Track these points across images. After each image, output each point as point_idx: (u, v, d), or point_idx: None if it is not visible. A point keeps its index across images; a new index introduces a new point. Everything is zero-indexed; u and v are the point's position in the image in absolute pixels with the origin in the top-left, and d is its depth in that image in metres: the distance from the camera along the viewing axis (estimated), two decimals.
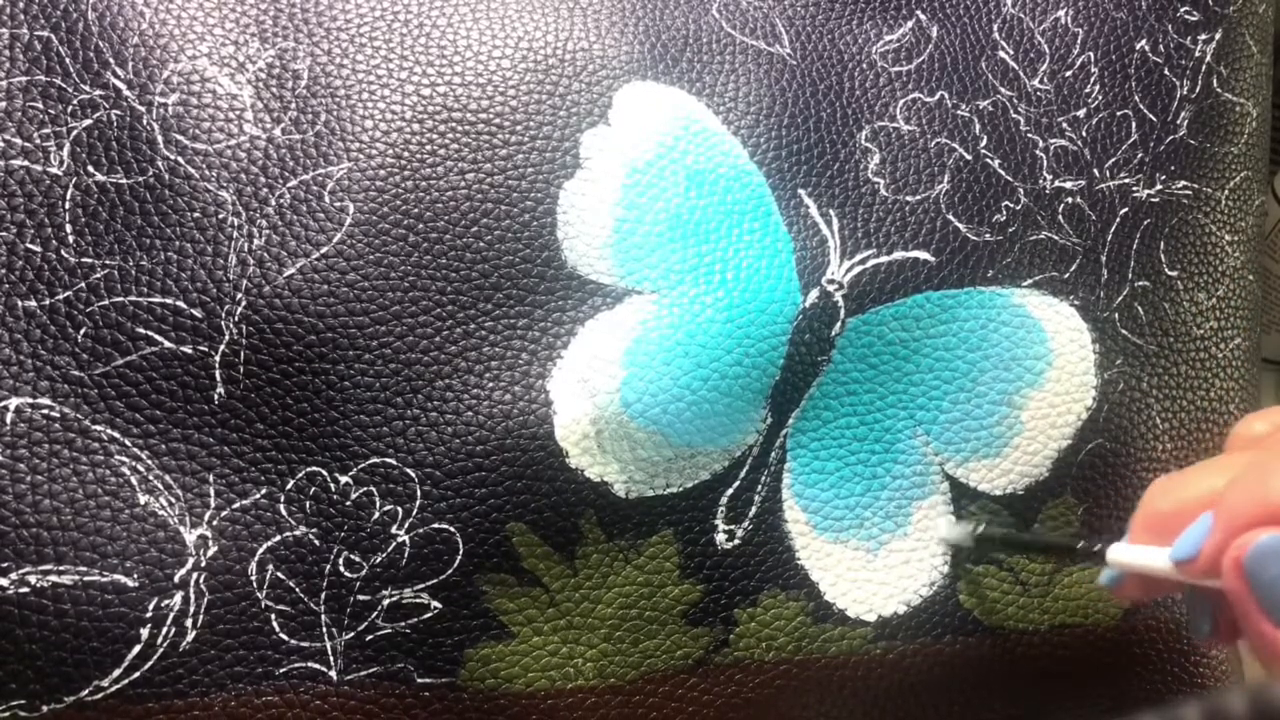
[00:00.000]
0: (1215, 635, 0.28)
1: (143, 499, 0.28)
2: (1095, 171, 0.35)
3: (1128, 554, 0.27)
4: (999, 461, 0.33)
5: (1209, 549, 0.25)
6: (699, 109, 0.33)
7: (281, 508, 0.29)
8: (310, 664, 0.29)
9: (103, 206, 0.29)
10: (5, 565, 0.27)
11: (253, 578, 0.28)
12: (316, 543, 0.29)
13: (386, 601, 0.29)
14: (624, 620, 0.30)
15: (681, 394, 0.30)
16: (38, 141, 0.29)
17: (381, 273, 0.30)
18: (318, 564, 0.29)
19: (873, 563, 0.32)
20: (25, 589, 0.27)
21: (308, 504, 0.29)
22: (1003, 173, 0.34)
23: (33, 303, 0.28)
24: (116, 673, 0.27)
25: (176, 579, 0.28)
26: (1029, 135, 0.35)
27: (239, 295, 0.29)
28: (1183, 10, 0.37)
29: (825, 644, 0.32)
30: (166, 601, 0.28)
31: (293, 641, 0.29)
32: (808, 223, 0.32)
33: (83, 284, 0.28)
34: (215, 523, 0.29)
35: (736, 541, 0.31)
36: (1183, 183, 0.36)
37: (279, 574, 0.29)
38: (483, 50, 0.32)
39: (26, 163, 0.29)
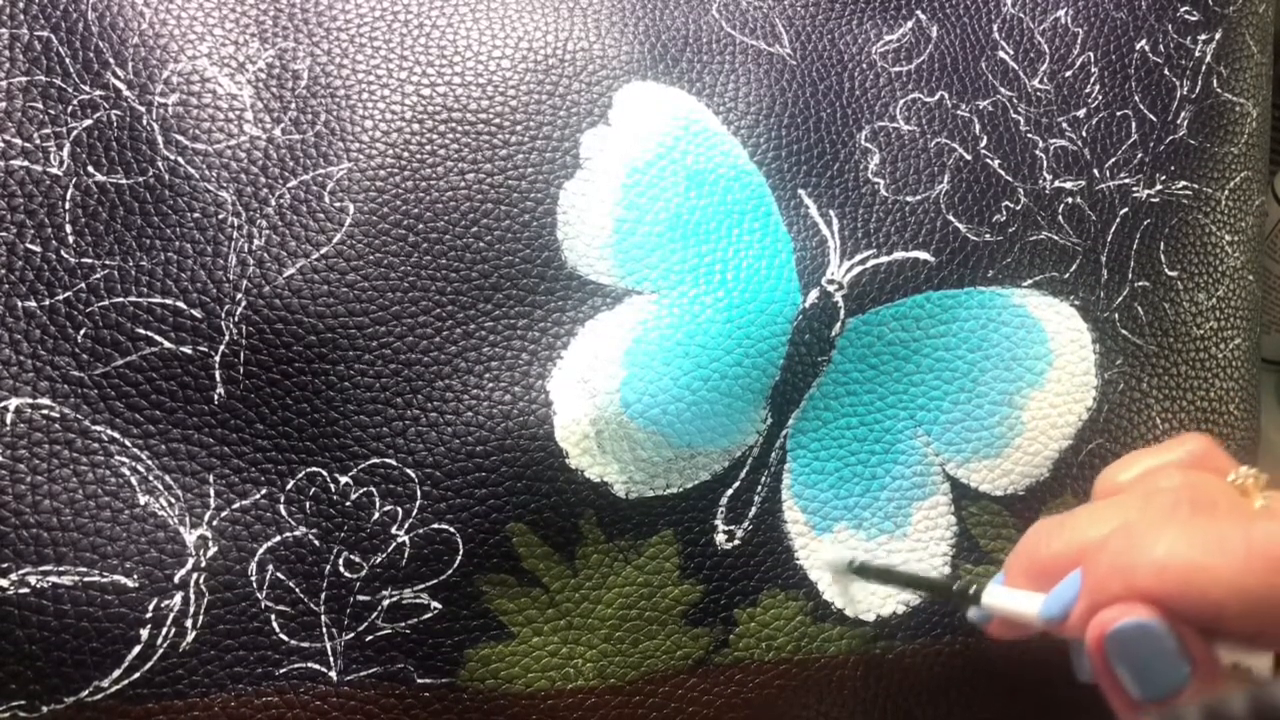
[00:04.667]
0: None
1: (143, 499, 0.28)
2: (1095, 171, 0.35)
3: (1002, 598, 0.27)
4: (1000, 462, 0.33)
5: (1076, 614, 0.24)
6: (699, 109, 0.33)
7: (281, 508, 0.29)
8: (310, 664, 0.29)
9: (103, 207, 0.29)
10: (5, 565, 0.27)
11: (253, 578, 0.28)
12: (316, 543, 0.29)
13: (386, 602, 0.29)
14: (624, 620, 0.30)
15: (681, 394, 0.30)
16: (38, 142, 0.29)
17: (381, 273, 0.30)
18: (318, 564, 0.29)
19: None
20: (25, 589, 0.27)
21: (308, 504, 0.29)
22: (1003, 173, 0.34)
23: (33, 303, 0.28)
24: (116, 673, 0.27)
25: (176, 579, 0.28)
26: (1029, 135, 0.35)
27: (239, 295, 0.29)
28: (1183, 10, 0.37)
29: (824, 644, 0.32)
30: (166, 602, 0.28)
31: (293, 642, 0.29)
32: (808, 223, 0.32)
33: (83, 284, 0.28)
34: (215, 523, 0.29)
35: (736, 542, 0.31)
36: (1183, 183, 0.36)
37: (279, 574, 0.29)
38: (483, 50, 0.32)
39: (26, 163, 0.29)
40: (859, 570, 0.32)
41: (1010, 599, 0.27)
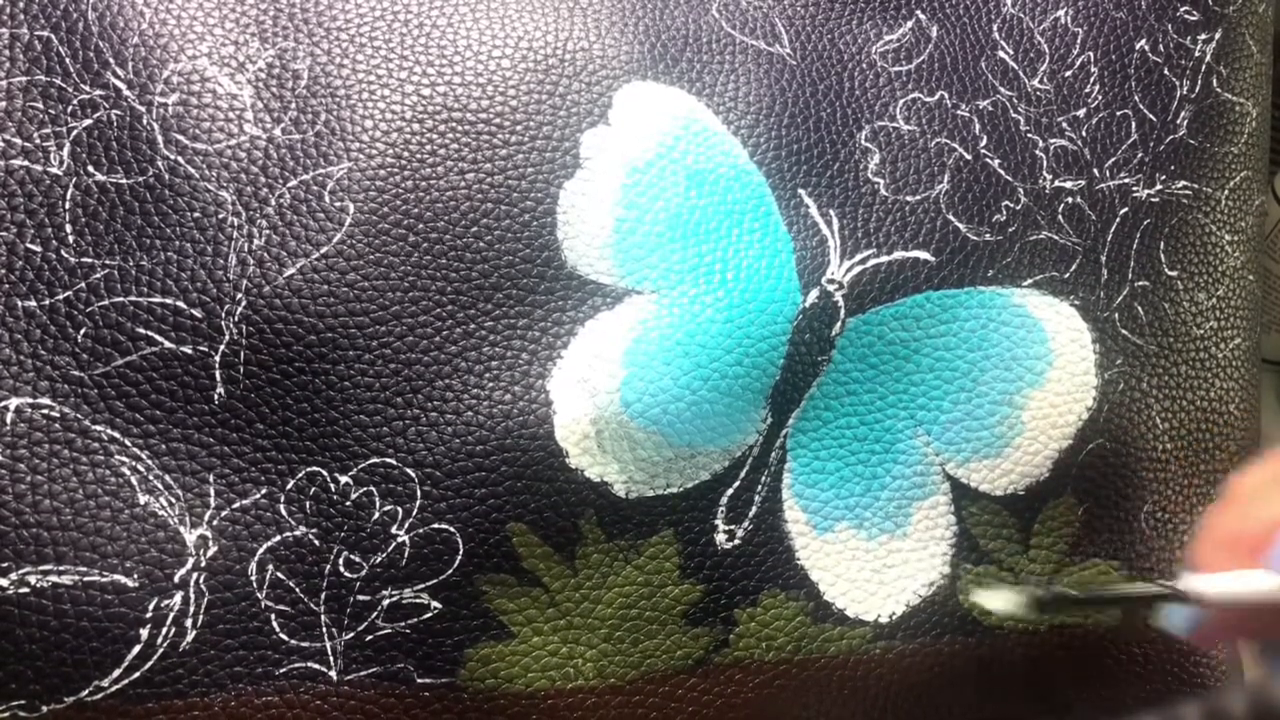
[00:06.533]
0: None
1: (143, 499, 0.28)
2: (1095, 171, 0.35)
3: (1222, 584, 0.23)
4: (1000, 462, 0.33)
5: None
6: (699, 109, 0.33)
7: (281, 508, 0.29)
8: (310, 664, 0.29)
9: (103, 206, 0.29)
10: (5, 565, 0.27)
11: (253, 578, 0.29)
12: (316, 543, 0.29)
13: (386, 601, 0.29)
14: (624, 620, 0.30)
15: (681, 394, 0.30)
16: (38, 141, 0.29)
17: (381, 273, 0.30)
18: (318, 564, 0.29)
19: (872, 563, 0.32)
20: (25, 589, 0.27)
21: (308, 504, 0.29)
22: (1003, 173, 0.34)
23: (33, 303, 0.28)
24: (116, 673, 0.27)
25: (176, 579, 0.28)
26: (1029, 135, 0.35)
27: (239, 295, 0.29)
28: (1182, 10, 0.37)
29: (825, 644, 0.32)
30: (166, 601, 0.28)
31: (293, 641, 0.29)
32: (808, 223, 0.32)
33: (83, 284, 0.28)
34: (215, 523, 0.29)
35: (736, 541, 0.31)
36: (1183, 183, 0.36)
37: (279, 574, 0.29)
38: (483, 50, 0.32)
39: (26, 163, 0.29)
40: (1049, 604, 0.26)
41: (1234, 581, 0.23)
